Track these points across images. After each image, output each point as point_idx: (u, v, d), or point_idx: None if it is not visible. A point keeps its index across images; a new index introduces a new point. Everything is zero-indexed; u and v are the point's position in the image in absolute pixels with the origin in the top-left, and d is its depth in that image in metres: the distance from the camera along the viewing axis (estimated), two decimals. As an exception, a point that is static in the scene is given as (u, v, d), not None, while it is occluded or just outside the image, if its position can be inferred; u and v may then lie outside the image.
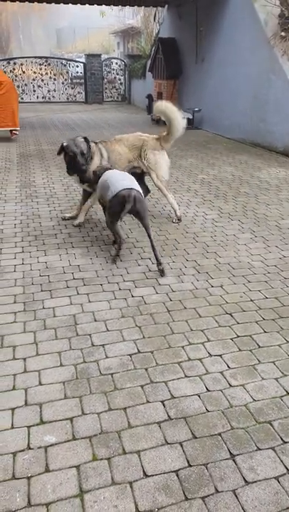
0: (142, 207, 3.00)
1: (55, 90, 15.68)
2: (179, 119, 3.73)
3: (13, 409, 1.76)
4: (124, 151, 3.82)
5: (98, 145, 3.77)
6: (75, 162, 3.53)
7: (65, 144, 3.56)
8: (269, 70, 7.23)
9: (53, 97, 15.69)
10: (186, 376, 1.97)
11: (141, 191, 3.05)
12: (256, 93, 7.68)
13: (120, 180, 3.05)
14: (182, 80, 11.31)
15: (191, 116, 10.03)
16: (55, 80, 15.65)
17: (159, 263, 2.96)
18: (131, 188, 2.96)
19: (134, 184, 3.05)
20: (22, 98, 13.91)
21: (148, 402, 1.82)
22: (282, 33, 7.01)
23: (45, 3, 12.27)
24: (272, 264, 3.16)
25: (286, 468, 1.55)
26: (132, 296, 2.66)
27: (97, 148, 3.73)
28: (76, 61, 16.78)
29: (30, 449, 1.59)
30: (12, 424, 1.69)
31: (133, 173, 3.83)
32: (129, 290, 2.74)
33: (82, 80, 15.94)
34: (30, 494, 1.43)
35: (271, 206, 4.55)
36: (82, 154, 3.51)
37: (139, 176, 4.01)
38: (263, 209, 4.45)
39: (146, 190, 4.23)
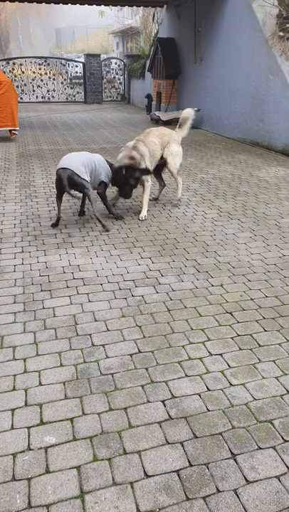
0: (77, 182, 3.50)
1: (54, 90, 15.68)
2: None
3: (13, 410, 1.76)
4: (157, 142, 4.27)
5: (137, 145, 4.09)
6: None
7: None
8: (267, 70, 7.23)
9: (53, 97, 15.69)
10: (186, 375, 1.97)
11: (75, 169, 3.49)
12: (255, 93, 7.68)
13: (62, 160, 3.58)
14: (181, 79, 11.31)
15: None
16: (54, 80, 15.65)
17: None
18: (64, 168, 3.46)
19: (70, 163, 3.50)
20: (21, 98, 13.92)
21: (149, 401, 1.81)
22: (281, 33, 7.01)
23: (44, 3, 12.27)
24: (272, 263, 3.16)
25: (287, 467, 1.54)
26: (132, 296, 2.66)
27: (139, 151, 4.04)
28: (75, 61, 16.77)
29: (30, 449, 1.59)
30: (12, 425, 1.69)
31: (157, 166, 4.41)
32: (130, 289, 2.73)
33: (82, 80, 15.94)
34: (30, 495, 1.43)
35: (270, 205, 4.54)
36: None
37: (158, 170, 4.55)
38: (263, 208, 4.44)
39: (163, 184, 4.73)
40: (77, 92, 16.08)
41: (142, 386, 1.90)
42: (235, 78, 8.27)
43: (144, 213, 4.11)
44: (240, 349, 2.17)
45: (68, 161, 3.52)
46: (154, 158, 4.21)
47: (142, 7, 14.52)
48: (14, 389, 1.87)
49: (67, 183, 3.42)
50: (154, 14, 14.14)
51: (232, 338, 2.26)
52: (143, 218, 4.08)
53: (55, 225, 3.78)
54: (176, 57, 11.24)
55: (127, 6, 14.83)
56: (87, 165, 3.63)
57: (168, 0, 11.28)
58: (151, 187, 4.29)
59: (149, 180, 4.15)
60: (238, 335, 2.29)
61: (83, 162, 3.60)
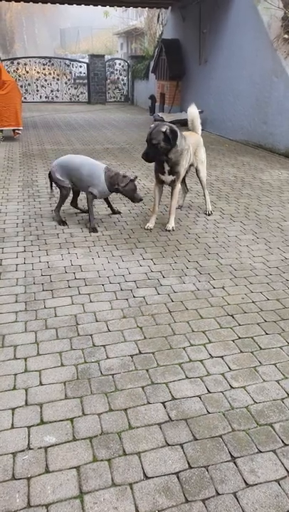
0: (54, 180, 3.84)
1: (58, 90, 15.72)
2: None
3: (13, 409, 1.76)
4: (192, 149, 3.91)
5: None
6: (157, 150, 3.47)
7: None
8: (271, 72, 7.23)
9: (56, 97, 15.74)
10: (187, 377, 1.97)
11: (54, 167, 3.78)
12: (259, 95, 7.68)
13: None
14: (185, 81, 11.32)
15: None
16: (58, 80, 15.69)
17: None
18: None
19: (54, 162, 3.85)
20: (25, 98, 13.94)
21: (149, 403, 1.81)
22: (285, 36, 7.01)
23: (49, 3, 12.30)
24: (274, 266, 3.15)
25: (287, 471, 1.54)
26: (134, 297, 2.66)
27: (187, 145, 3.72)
28: (79, 61, 16.82)
29: (30, 449, 1.59)
30: (12, 424, 1.69)
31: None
32: (131, 290, 2.73)
33: (86, 81, 15.98)
34: (29, 495, 1.43)
35: (273, 208, 4.54)
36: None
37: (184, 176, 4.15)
38: (265, 211, 4.44)
39: (186, 190, 4.52)
40: (81, 93, 16.12)
41: (143, 387, 1.90)
42: (239, 80, 8.27)
43: (172, 224, 3.76)
44: (241, 352, 2.16)
45: (56, 160, 3.88)
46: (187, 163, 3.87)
47: (146, 8, 14.54)
48: (15, 388, 1.87)
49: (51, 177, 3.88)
50: (158, 15, 14.17)
51: (233, 340, 2.26)
52: (170, 228, 3.73)
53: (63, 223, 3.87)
54: (181, 58, 11.25)
55: (131, 7, 14.86)
56: (68, 170, 3.71)
57: (173, 1, 11.30)
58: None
59: (179, 184, 3.79)
60: (239, 337, 2.28)
61: (62, 165, 3.74)
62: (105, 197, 3.90)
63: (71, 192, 3.93)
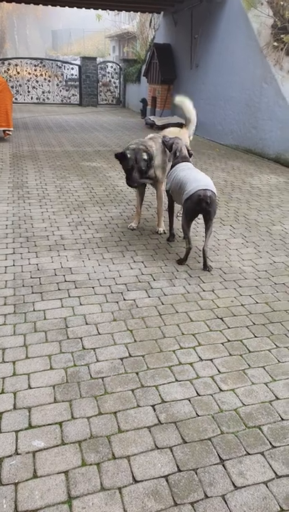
0: (214, 208, 3.09)
1: (49, 92, 15.66)
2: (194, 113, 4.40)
3: (1, 414, 1.74)
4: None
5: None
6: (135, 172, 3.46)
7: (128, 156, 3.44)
8: (261, 79, 7.33)
9: (48, 98, 15.67)
10: (176, 380, 1.97)
11: (215, 191, 3.09)
12: (249, 100, 7.77)
13: (197, 180, 3.09)
14: (176, 85, 11.39)
15: (183, 122, 10.11)
16: (49, 81, 15.64)
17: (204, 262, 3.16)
18: (206, 189, 3.01)
19: (210, 184, 3.09)
20: (16, 99, 13.86)
21: (138, 406, 1.81)
22: (275, 43, 7.12)
23: (41, 5, 12.27)
24: (263, 270, 3.19)
25: (274, 473, 1.55)
26: (124, 300, 2.65)
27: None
28: (71, 63, 16.79)
29: (17, 454, 1.57)
30: (0, 429, 1.67)
31: None
32: (121, 293, 2.73)
33: (77, 83, 15.95)
34: (17, 500, 1.41)
35: (262, 212, 4.59)
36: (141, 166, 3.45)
37: None
38: (255, 215, 4.49)
39: None
40: (73, 95, 16.09)
41: (132, 390, 1.90)
42: (230, 85, 8.36)
43: (162, 226, 3.78)
44: (230, 355, 2.18)
45: (205, 179, 3.12)
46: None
47: (139, 12, 14.62)
48: (3, 392, 1.85)
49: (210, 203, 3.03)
50: (151, 20, 14.25)
51: (222, 343, 2.27)
52: (161, 232, 3.76)
53: (183, 261, 3.21)
54: (172, 62, 11.33)
55: (124, 11, 14.92)
56: None
57: (165, 7, 11.38)
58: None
59: (162, 187, 3.74)
60: (229, 340, 2.30)
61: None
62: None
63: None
